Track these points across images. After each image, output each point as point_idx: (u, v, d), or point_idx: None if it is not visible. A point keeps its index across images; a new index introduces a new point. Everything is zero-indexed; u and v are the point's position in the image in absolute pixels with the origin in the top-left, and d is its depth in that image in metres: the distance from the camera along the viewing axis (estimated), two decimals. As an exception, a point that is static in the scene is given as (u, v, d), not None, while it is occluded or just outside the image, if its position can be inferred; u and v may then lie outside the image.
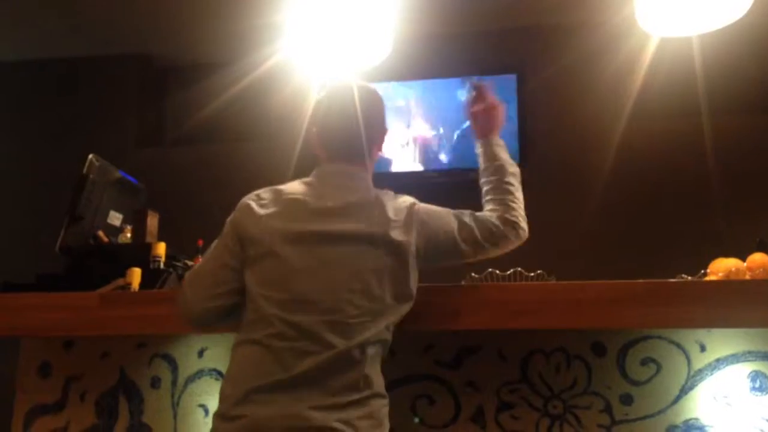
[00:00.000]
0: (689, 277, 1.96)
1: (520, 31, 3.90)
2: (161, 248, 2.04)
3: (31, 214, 4.00)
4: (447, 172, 3.80)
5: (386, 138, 1.64)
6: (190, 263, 2.20)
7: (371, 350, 1.38)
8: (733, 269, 1.88)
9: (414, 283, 1.46)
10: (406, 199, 1.53)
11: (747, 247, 2.00)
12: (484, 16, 3.82)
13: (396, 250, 1.43)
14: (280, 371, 1.33)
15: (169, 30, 4.01)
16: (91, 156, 2.15)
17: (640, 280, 1.57)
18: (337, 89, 1.60)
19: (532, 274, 2.05)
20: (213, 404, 1.92)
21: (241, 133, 4.21)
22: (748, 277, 1.85)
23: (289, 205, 1.47)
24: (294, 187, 1.52)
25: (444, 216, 1.54)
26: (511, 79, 3.81)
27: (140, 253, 2.04)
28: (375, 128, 1.59)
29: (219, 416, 1.36)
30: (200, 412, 1.93)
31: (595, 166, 3.64)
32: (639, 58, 3.51)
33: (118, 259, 2.04)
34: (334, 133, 1.57)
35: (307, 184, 1.53)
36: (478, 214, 1.58)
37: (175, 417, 1.94)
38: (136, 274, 1.92)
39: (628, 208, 3.61)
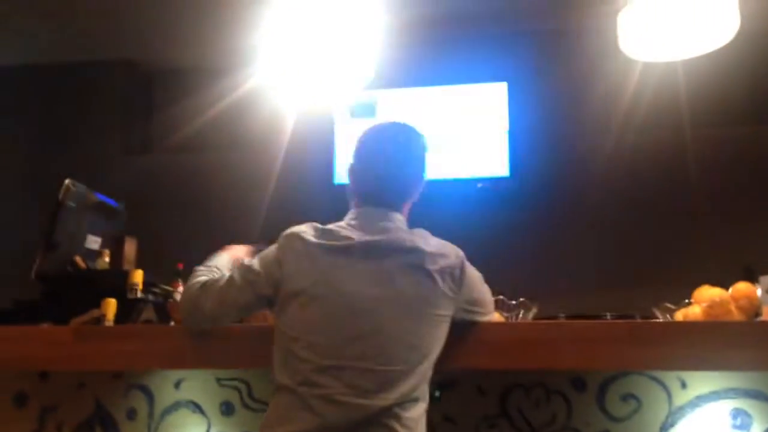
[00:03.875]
0: (673, 307, 1.93)
1: (511, 38, 3.85)
2: (138, 275, 2.01)
3: (15, 230, 3.85)
4: (442, 182, 3.76)
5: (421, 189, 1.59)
6: (168, 289, 2.17)
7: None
8: (717, 299, 1.86)
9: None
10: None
11: (734, 271, 1.98)
12: (475, 24, 3.77)
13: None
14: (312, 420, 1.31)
15: (156, 36, 3.96)
16: (67, 181, 2.10)
17: (620, 321, 1.54)
18: (378, 132, 1.57)
19: (514, 302, 2.02)
20: (190, 437, 1.90)
21: (225, 143, 4.17)
22: (732, 307, 1.82)
23: (338, 246, 1.43)
24: (340, 227, 1.48)
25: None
26: (502, 87, 3.77)
27: (117, 281, 2.01)
28: (411, 178, 1.56)
29: None
30: (177, 444, 1.90)
31: (581, 182, 3.62)
32: (631, 68, 3.47)
33: (95, 286, 2.02)
34: (368, 180, 1.53)
35: (348, 225, 1.48)
36: None
37: (152, 449, 1.92)
38: (111, 305, 1.88)
39: (617, 227, 3.57)
